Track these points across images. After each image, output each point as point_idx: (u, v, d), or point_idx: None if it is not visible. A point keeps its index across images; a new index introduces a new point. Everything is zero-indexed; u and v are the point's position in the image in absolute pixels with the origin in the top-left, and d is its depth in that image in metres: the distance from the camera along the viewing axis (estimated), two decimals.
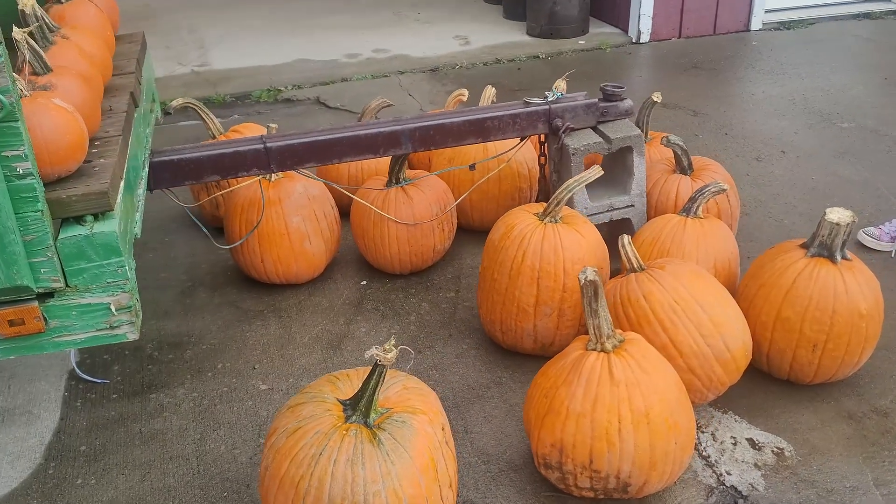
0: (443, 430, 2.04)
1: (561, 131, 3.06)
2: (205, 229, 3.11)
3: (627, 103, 3.15)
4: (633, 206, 3.15)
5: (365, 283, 3.34)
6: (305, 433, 1.89)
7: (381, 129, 2.92)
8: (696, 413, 2.56)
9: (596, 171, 2.75)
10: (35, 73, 2.15)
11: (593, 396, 2.08)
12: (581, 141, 3.02)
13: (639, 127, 3.51)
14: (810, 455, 2.40)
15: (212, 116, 3.68)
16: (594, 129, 3.13)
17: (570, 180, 2.71)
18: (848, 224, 2.49)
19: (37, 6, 2.37)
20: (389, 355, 1.88)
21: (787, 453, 2.41)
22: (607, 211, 3.14)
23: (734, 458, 2.39)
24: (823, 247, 2.54)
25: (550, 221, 2.71)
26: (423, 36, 6.83)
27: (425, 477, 1.89)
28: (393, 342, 1.90)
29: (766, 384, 2.67)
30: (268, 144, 2.84)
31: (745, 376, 2.53)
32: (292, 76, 5.98)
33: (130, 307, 2.05)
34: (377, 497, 1.82)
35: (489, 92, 3.64)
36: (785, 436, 2.46)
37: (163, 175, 2.77)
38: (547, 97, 3.10)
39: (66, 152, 1.98)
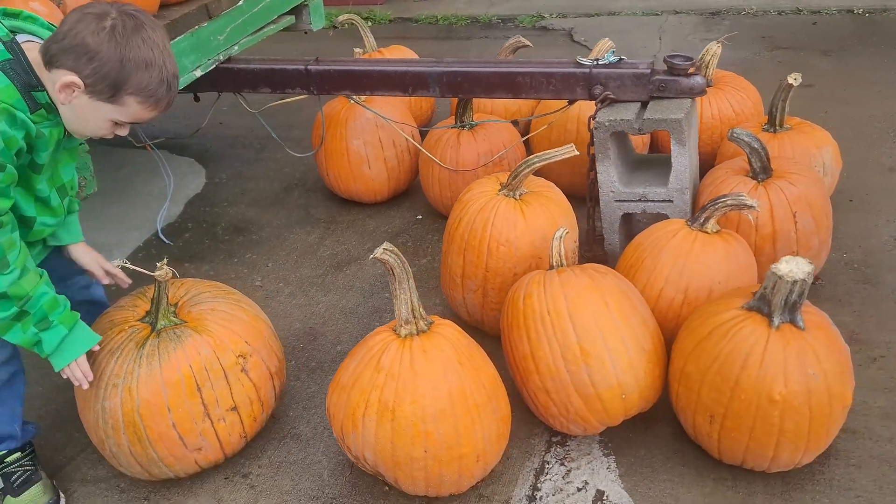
0: (240, 357, 2.16)
1: (598, 100, 2.70)
2: (275, 136, 3.43)
3: (694, 80, 2.63)
4: (671, 201, 2.68)
5: (420, 217, 3.39)
6: (120, 343, 2.13)
7: (409, 69, 2.90)
8: (576, 442, 2.25)
9: (568, 150, 2.42)
10: None
11: (357, 375, 2.00)
12: (611, 115, 2.64)
13: (772, 112, 2.91)
14: None
15: (368, 35, 3.94)
16: (644, 104, 2.69)
17: (533, 155, 2.44)
18: (798, 281, 1.88)
19: None
20: (161, 272, 2.06)
21: None
22: (639, 201, 2.72)
23: None
24: (763, 301, 1.96)
25: (508, 194, 2.49)
26: None
27: (172, 390, 2.05)
28: (165, 261, 2.07)
29: (685, 443, 2.19)
30: (309, 67, 3.02)
31: (672, 426, 2.14)
32: (567, 4, 5.85)
33: None
34: (115, 388, 2.05)
35: (604, 45, 3.27)
36: None
37: (225, 81, 3.14)
38: (596, 60, 2.74)
39: None
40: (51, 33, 1.86)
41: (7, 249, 1.83)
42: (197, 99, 3.37)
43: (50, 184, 1.99)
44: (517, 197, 2.48)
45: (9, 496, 2.16)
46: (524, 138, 3.19)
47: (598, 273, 2.18)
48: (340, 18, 3.92)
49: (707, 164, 3.06)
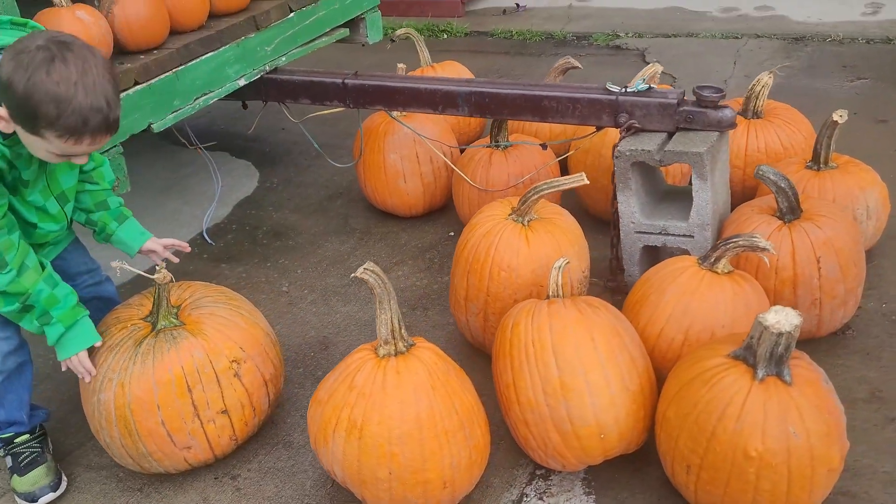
0: (234, 363, 2.23)
1: (623, 128, 2.65)
2: (316, 145, 3.50)
3: (723, 113, 2.54)
4: (691, 236, 2.59)
5: (452, 234, 3.40)
6: (120, 339, 2.24)
7: (440, 87, 2.91)
8: (559, 478, 2.21)
9: (578, 179, 2.38)
10: None
11: (332, 391, 2.03)
12: (633, 145, 2.58)
13: (816, 149, 2.79)
14: None
15: (423, 49, 3.98)
16: (671, 135, 2.62)
17: (542, 182, 2.41)
18: (784, 333, 1.79)
19: None
20: (159, 276, 2.15)
21: None
22: (659, 234, 2.65)
23: None
24: (749, 351, 1.87)
25: (516, 220, 2.47)
26: None
27: (164, 390, 2.13)
28: (164, 265, 2.16)
29: (671, 491, 2.12)
30: (346, 81, 3.08)
31: (661, 470, 2.09)
32: (646, 23, 5.73)
33: None
34: (110, 383, 2.14)
35: (651, 70, 3.19)
36: None
37: (269, 90, 3.25)
38: (625, 87, 2.68)
39: None
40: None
41: (5, 251, 1.96)
42: (245, 106, 3.50)
43: (45, 193, 2.10)
44: (525, 223, 2.45)
45: (15, 475, 2.30)
46: (559, 159, 3.15)
47: (590, 307, 2.13)
48: (398, 32, 3.97)
49: (749, 198, 2.94)
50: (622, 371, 2.04)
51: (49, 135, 1.79)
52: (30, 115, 1.76)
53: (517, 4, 6.50)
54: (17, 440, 2.32)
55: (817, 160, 2.81)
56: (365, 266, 2.00)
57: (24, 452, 2.32)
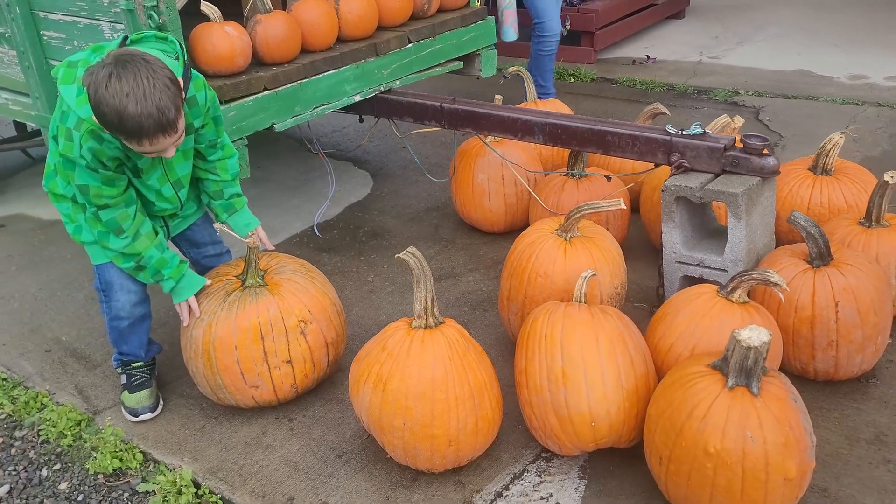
0: (301, 322, 2.67)
1: (673, 166, 2.91)
2: (417, 161, 3.94)
3: (766, 161, 2.76)
4: (725, 270, 2.81)
5: None
6: (215, 289, 2.74)
7: (520, 116, 3.28)
8: (560, 462, 2.49)
9: (615, 204, 2.67)
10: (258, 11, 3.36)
11: (368, 351, 2.42)
12: (679, 181, 2.83)
13: (869, 207, 2.94)
14: None
15: (530, 87, 4.36)
16: (717, 176, 2.85)
17: (584, 203, 2.72)
18: (752, 348, 2.01)
19: None
20: (250, 240, 2.63)
21: None
22: (697, 265, 2.88)
23: None
24: (725, 362, 2.10)
25: (559, 234, 2.79)
26: None
27: (242, 334, 2.60)
28: (255, 231, 2.65)
29: (655, 486, 2.35)
30: (443, 105, 3.51)
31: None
32: (771, 83, 5.86)
33: None
34: (201, 324, 2.64)
35: (723, 121, 3.42)
36: None
37: (381, 107, 3.73)
38: (682, 130, 2.94)
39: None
40: (159, 49, 2.40)
41: (121, 221, 2.49)
42: (361, 120, 4.00)
43: (162, 180, 2.61)
44: (567, 238, 2.76)
45: (126, 391, 2.84)
46: (625, 187, 3.43)
47: (603, 313, 2.42)
48: (510, 70, 4.37)
49: None
50: (619, 371, 2.31)
51: (119, 138, 2.22)
52: (103, 122, 2.17)
53: (647, 56, 6.76)
54: (134, 365, 2.87)
55: (869, 217, 2.94)
56: (407, 249, 2.39)
57: (136, 375, 2.85)
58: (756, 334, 2.04)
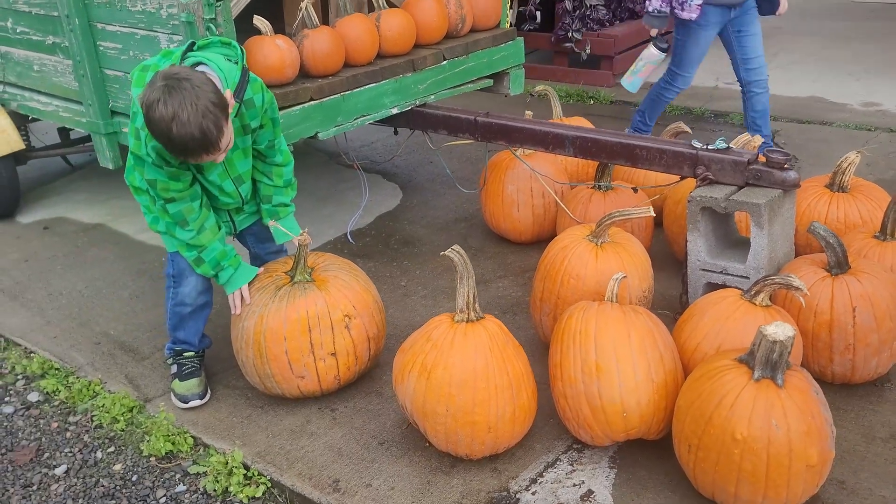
0: (346, 317, 2.83)
1: (699, 178, 3.07)
2: (449, 172, 4.11)
3: (787, 174, 2.92)
4: (747, 278, 2.96)
5: None
6: (266, 284, 2.91)
7: (551, 130, 3.46)
8: (591, 452, 2.63)
9: (645, 211, 2.84)
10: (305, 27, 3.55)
11: (413, 342, 2.58)
12: (705, 192, 2.99)
13: (884, 222, 3.09)
14: None
15: (556, 105, 4.54)
16: (740, 188, 3.01)
17: (615, 210, 2.88)
18: (777, 342, 2.16)
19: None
20: (301, 237, 2.80)
21: None
22: (720, 273, 3.03)
23: (547, 496, 2.47)
24: (751, 356, 2.25)
25: (591, 240, 2.95)
26: None
27: (291, 325, 2.76)
28: (307, 230, 2.82)
29: (684, 476, 2.48)
30: (477, 118, 3.69)
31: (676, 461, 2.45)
32: (786, 109, 6.04)
33: None
34: (253, 315, 2.80)
35: (744, 139, 3.59)
36: None
37: (416, 120, 3.91)
38: (707, 145, 3.11)
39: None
40: (222, 54, 2.57)
41: (187, 214, 2.69)
42: (396, 133, 4.18)
43: (223, 176, 2.78)
44: (598, 243, 2.92)
45: (176, 379, 3.00)
46: (651, 199, 3.59)
47: (634, 312, 2.57)
48: (537, 88, 4.56)
49: None
50: (650, 364, 2.46)
51: (170, 153, 2.44)
52: (155, 139, 2.39)
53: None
54: (186, 354, 3.02)
55: (884, 231, 3.09)
56: (453, 247, 2.55)
57: (187, 364, 3.01)
58: (781, 329, 2.19)
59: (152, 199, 2.73)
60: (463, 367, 2.45)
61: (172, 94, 2.29)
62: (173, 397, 2.98)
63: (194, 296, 2.90)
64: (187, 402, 2.95)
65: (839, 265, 2.79)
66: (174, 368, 3.03)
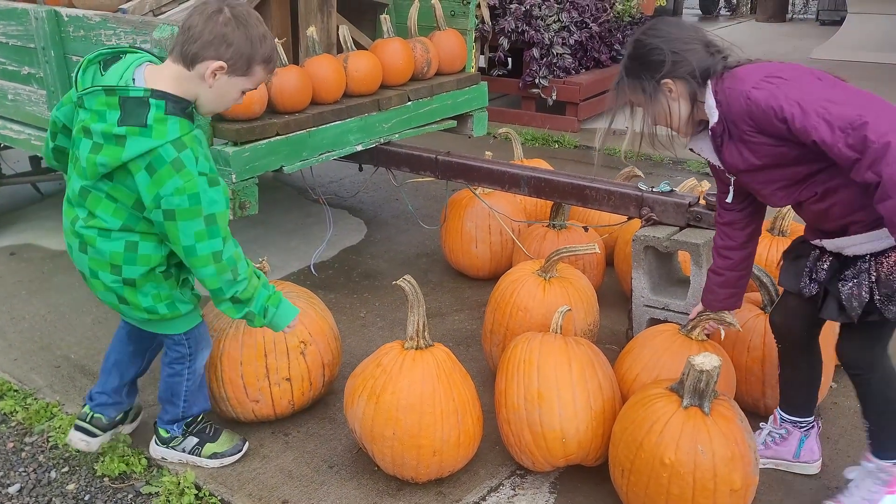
0: (301, 343, 2.92)
1: (644, 219, 3.23)
2: (411, 209, 4.25)
3: None
4: (687, 314, 3.10)
5: None
6: None
7: (508, 170, 3.62)
8: (533, 478, 2.73)
9: (590, 248, 2.98)
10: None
11: (364, 367, 2.69)
12: (648, 232, 3.15)
13: None
14: None
15: (518, 146, 4.71)
16: (682, 229, 3.18)
17: (563, 247, 3.03)
18: (704, 371, 2.30)
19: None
20: (259, 266, 2.91)
21: None
22: (662, 309, 3.18)
23: None
24: (681, 384, 2.38)
25: (540, 275, 3.09)
26: None
27: (247, 350, 2.83)
28: (266, 259, 2.92)
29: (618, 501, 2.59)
30: (438, 157, 3.85)
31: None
32: None
33: None
34: (212, 338, 2.90)
35: (690, 184, 3.77)
36: None
37: (380, 157, 4.06)
38: (652, 188, 3.28)
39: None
40: (141, 53, 2.41)
41: (237, 260, 2.36)
42: (361, 169, 4.33)
43: None
44: (546, 278, 3.06)
45: (208, 443, 2.78)
46: (602, 237, 3.74)
47: (576, 343, 2.70)
48: (500, 131, 4.74)
49: None
50: (589, 393, 2.58)
51: (259, 68, 2.30)
52: (252, 55, 2.24)
53: (627, 128, 7.17)
54: (198, 419, 2.81)
55: None
56: (404, 277, 2.67)
57: (206, 426, 2.81)
58: (708, 360, 2.33)
59: (170, 282, 2.48)
60: (410, 392, 2.55)
61: (250, 8, 2.29)
62: (212, 462, 2.78)
63: (204, 361, 2.74)
64: (240, 451, 2.82)
65: (772, 303, 2.95)
66: (193, 441, 2.79)
